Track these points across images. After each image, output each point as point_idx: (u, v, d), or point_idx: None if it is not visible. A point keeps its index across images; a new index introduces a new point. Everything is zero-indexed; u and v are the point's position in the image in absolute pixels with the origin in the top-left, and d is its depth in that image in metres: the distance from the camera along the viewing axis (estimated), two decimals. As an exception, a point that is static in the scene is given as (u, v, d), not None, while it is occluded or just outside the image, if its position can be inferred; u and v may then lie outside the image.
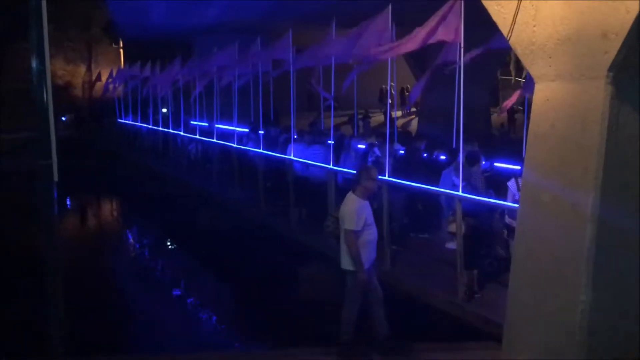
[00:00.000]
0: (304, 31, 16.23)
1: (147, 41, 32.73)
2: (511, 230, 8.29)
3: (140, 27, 30.98)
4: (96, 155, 28.98)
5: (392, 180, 9.82)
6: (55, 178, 5.53)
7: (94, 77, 41.83)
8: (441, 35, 8.88)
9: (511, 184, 8.87)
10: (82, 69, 44.77)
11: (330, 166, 11.69)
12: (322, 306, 9.26)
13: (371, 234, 6.90)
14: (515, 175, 8.90)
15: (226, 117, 19.79)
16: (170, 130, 23.48)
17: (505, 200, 8.59)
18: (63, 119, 36.26)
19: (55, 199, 5.81)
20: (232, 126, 17.65)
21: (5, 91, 36.88)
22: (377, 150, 11.19)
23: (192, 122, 21.66)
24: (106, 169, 25.93)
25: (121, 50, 44.50)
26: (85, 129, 36.97)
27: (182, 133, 21.79)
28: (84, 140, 33.02)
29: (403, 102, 33.83)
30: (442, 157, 11.40)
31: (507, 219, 8.66)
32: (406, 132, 16.99)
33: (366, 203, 6.91)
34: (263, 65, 15.76)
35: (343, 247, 6.91)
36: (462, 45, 8.63)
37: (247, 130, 17.20)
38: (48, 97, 5.95)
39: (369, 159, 11.03)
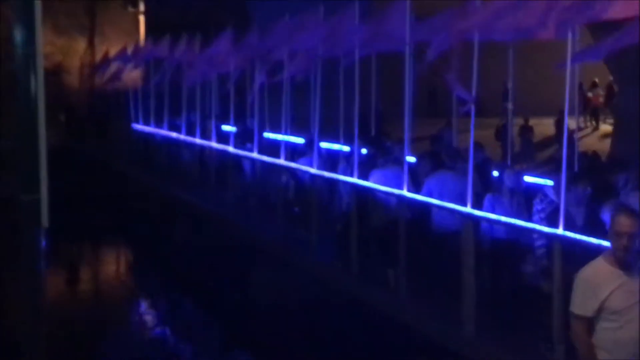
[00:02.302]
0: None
1: (181, 3, 33.44)
2: None
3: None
4: (101, 181, 29.37)
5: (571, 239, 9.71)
6: (45, 223, 5.65)
7: (98, 58, 42.22)
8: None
9: None
10: (81, 44, 44.89)
11: (468, 209, 11.61)
12: None
13: (624, 327, 6.32)
14: None
15: (299, 126, 19.94)
16: (215, 145, 23.75)
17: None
18: None
19: (43, 253, 5.94)
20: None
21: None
22: (550, 192, 10.71)
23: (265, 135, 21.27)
24: (117, 204, 26.31)
25: (141, 18, 44.99)
26: (82, 136, 37.58)
27: (231, 149, 21.90)
28: (81, 155, 33.54)
29: (590, 105, 33.44)
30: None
31: None
32: (593, 155, 16.53)
33: (622, 274, 6.38)
34: (362, 46, 15.75)
35: None
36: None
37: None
38: (38, 94, 6.08)
39: (536, 208, 10.66)
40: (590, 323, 6.31)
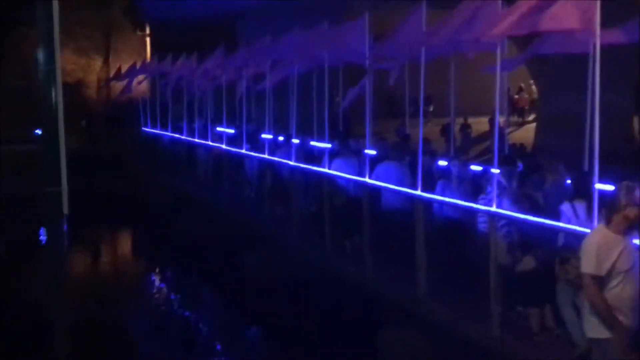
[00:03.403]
0: (385, 14, 16.25)
1: (180, 27, 33.27)
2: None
3: (171, 11, 31.38)
4: (115, 176, 29.13)
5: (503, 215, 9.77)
6: (65, 211, 5.63)
7: (112, 73, 42.03)
8: (566, 20, 8.74)
9: (566, 208, 8.96)
10: (98, 62, 44.74)
11: (419, 192, 11.59)
12: None
13: (627, 285, 6.26)
14: (571, 195, 9.06)
15: (280, 125, 19.96)
16: (210, 143, 23.63)
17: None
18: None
19: (64, 236, 5.92)
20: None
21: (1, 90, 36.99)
22: (502, 180, 10.40)
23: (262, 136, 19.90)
24: (128, 195, 26.11)
25: (147, 39, 44.84)
26: (99, 139, 37.45)
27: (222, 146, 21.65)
28: (98, 155, 33.35)
29: (517, 106, 33.87)
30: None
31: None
32: (520, 146, 16.61)
33: (622, 240, 6.30)
34: (330, 59, 15.72)
35: (585, 305, 6.47)
36: (597, 35, 8.50)
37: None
38: (58, 103, 6.06)
39: (489, 190, 10.31)
40: (601, 282, 6.20)
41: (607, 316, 6.14)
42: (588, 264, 6.25)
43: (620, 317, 6.22)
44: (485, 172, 11.66)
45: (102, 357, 11.38)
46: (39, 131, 34.75)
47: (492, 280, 9.78)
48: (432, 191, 11.69)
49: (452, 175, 11.69)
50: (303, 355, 12.06)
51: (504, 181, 10.28)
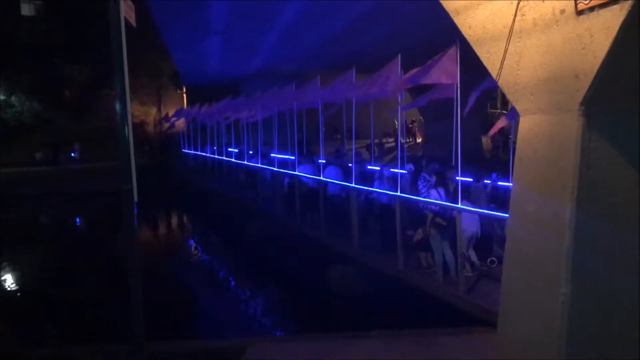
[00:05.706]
0: (329, 76, 16.30)
1: (204, 87, 33.09)
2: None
3: (199, 76, 31.31)
4: (164, 178, 28.85)
5: (405, 197, 9.74)
6: (135, 198, 5.65)
7: (162, 116, 42.35)
8: (440, 77, 8.84)
9: (433, 192, 9.06)
10: (154, 110, 45.21)
11: (353, 185, 11.60)
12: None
13: None
14: (436, 184, 9.05)
15: (267, 147, 19.89)
16: (224, 158, 23.40)
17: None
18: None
19: (135, 214, 5.91)
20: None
21: (91, 129, 37.95)
22: (427, 176, 10.04)
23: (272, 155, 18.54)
24: (172, 188, 25.92)
25: (184, 95, 44.99)
26: (155, 157, 37.18)
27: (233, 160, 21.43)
28: (154, 167, 33.07)
29: (409, 133, 34.00)
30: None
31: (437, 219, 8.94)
32: (419, 156, 16.70)
33: None
34: (297, 105, 15.76)
35: None
36: (458, 85, 8.60)
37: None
38: (129, 134, 6.01)
39: (420, 184, 9.98)
40: None
41: None
42: None
43: None
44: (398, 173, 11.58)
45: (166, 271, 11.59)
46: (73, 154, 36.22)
47: (398, 235, 9.87)
48: (365, 185, 11.59)
49: (383, 176, 11.49)
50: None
51: (427, 177, 10.13)
